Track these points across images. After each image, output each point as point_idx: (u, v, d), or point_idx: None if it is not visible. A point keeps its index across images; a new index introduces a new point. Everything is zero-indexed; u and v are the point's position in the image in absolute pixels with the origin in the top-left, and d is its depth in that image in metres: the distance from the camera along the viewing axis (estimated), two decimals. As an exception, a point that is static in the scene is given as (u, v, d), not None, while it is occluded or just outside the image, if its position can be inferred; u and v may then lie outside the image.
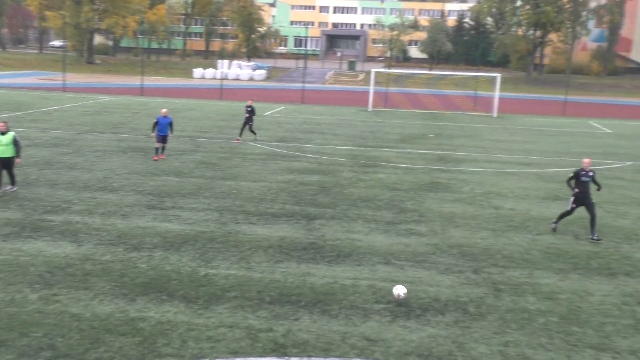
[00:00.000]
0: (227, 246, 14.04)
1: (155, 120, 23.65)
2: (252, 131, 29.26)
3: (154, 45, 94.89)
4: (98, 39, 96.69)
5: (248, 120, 29.14)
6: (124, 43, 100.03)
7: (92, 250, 13.50)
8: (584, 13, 79.55)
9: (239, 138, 28.71)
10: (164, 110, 24.18)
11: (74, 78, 64.24)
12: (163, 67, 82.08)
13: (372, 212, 17.25)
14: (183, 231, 14.99)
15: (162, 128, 23.54)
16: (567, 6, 78.59)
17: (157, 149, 23.78)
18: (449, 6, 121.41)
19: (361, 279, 12.41)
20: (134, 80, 63.42)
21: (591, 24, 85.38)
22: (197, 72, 75.84)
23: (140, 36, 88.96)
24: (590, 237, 15.35)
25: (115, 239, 14.24)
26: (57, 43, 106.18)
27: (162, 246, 13.88)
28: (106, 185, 19.26)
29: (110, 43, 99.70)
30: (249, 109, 29.25)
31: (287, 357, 9.30)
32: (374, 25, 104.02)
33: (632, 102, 64.31)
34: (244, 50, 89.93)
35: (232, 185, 19.89)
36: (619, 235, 15.87)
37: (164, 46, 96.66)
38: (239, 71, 76.14)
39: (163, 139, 23.67)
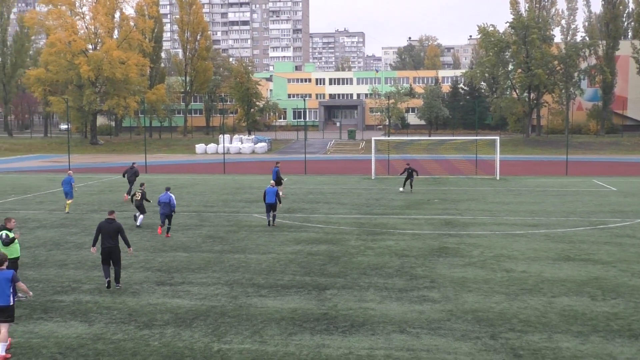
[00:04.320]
0: (239, 320, 13.87)
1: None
2: None
3: (156, 123, 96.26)
4: (100, 120, 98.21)
5: None
6: (126, 123, 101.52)
7: (104, 329, 13.34)
8: (576, 74, 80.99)
9: None
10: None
11: (79, 159, 64.97)
12: (165, 145, 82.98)
13: (383, 280, 17.10)
14: (194, 306, 14.83)
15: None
16: (558, 68, 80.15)
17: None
18: (442, 73, 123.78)
19: (377, 348, 12.21)
20: (137, 159, 63.97)
21: (584, 84, 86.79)
22: (200, 147, 76.59)
23: (141, 115, 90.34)
24: None
25: (126, 317, 14.08)
26: (64, 126, 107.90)
27: (173, 322, 13.71)
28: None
29: (113, 123, 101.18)
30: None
31: None
32: (370, 94, 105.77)
33: (634, 158, 64.63)
34: (244, 124, 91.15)
35: (240, 258, 19.80)
36: (637, 295, 15.63)
37: (165, 124, 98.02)
38: (241, 145, 76.92)
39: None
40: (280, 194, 30.28)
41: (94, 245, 16.94)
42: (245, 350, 12.15)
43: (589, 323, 13.58)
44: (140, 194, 26.15)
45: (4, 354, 11.76)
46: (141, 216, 25.93)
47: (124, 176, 35.84)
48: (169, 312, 14.40)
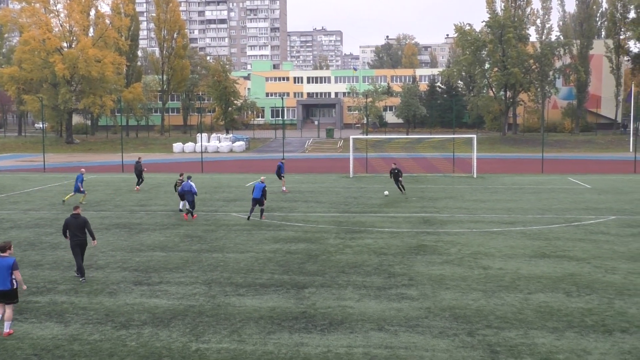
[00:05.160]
0: (217, 319, 13.83)
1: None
2: None
3: (132, 122, 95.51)
4: (76, 119, 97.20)
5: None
6: (102, 122, 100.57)
7: (80, 330, 13.22)
8: (551, 73, 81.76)
9: None
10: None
11: (54, 158, 64.23)
12: (142, 144, 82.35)
13: (362, 278, 17.15)
14: (172, 306, 14.76)
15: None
16: (533, 67, 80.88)
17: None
18: (419, 71, 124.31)
19: (355, 346, 12.25)
20: (114, 158, 63.49)
21: (559, 82, 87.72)
22: (177, 146, 76.13)
23: (118, 114, 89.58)
24: None
25: (103, 318, 13.98)
26: (39, 125, 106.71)
27: (151, 322, 13.64)
28: (91, 263, 18.98)
29: (89, 122, 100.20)
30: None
31: None
32: (348, 93, 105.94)
33: (607, 156, 65.48)
34: (222, 123, 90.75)
35: (219, 257, 19.73)
36: (610, 291, 15.86)
37: (142, 123, 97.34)
38: (219, 144, 76.60)
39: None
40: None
41: (66, 236, 17.44)
42: (223, 349, 12.12)
43: (564, 319, 13.75)
44: (181, 182, 28.94)
45: (8, 330, 12.92)
46: (184, 202, 28.04)
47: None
48: (147, 312, 14.31)
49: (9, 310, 12.97)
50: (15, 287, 12.98)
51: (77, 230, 17.02)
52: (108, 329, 13.28)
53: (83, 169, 33.97)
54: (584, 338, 12.63)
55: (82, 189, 31.99)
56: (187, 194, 26.94)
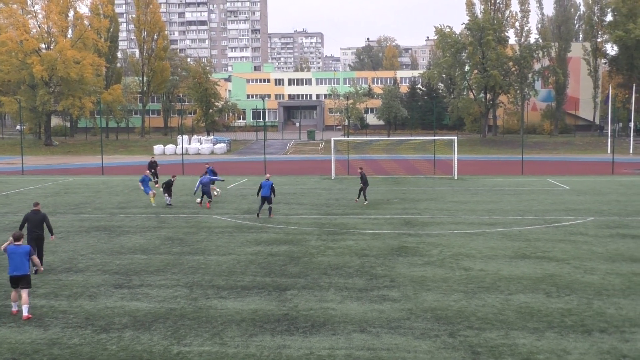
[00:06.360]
0: (199, 322, 13.77)
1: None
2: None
3: (112, 124, 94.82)
4: (55, 121, 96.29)
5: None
6: (81, 124, 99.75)
7: (59, 334, 13.10)
8: (530, 75, 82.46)
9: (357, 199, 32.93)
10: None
11: (33, 161, 63.62)
12: (122, 146, 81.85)
13: (344, 280, 17.16)
14: (153, 309, 14.67)
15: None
16: (513, 69, 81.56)
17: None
18: (400, 73, 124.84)
19: (337, 348, 12.25)
20: (93, 160, 63.03)
21: (538, 85, 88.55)
22: (158, 148, 75.72)
23: (97, 116, 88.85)
24: None
25: (83, 321, 13.86)
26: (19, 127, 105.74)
27: (132, 326, 13.55)
28: (71, 266, 18.85)
29: (68, 124, 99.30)
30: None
31: None
32: (329, 94, 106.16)
33: (585, 158, 66.17)
34: (202, 124, 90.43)
35: (200, 260, 19.65)
36: (589, 292, 16.01)
37: (122, 125, 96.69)
38: (200, 146, 76.33)
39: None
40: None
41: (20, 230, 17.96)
42: (205, 352, 12.07)
43: (545, 319, 13.86)
44: (165, 183, 31.92)
45: (27, 314, 14.04)
46: (167, 197, 31.65)
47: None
48: (127, 315, 14.22)
49: (24, 295, 14.11)
50: (29, 273, 14.39)
51: (35, 226, 17.92)
52: (88, 332, 13.17)
53: (148, 171, 35.86)
54: (564, 338, 12.74)
55: (142, 188, 32.84)
56: (204, 186, 30.35)
